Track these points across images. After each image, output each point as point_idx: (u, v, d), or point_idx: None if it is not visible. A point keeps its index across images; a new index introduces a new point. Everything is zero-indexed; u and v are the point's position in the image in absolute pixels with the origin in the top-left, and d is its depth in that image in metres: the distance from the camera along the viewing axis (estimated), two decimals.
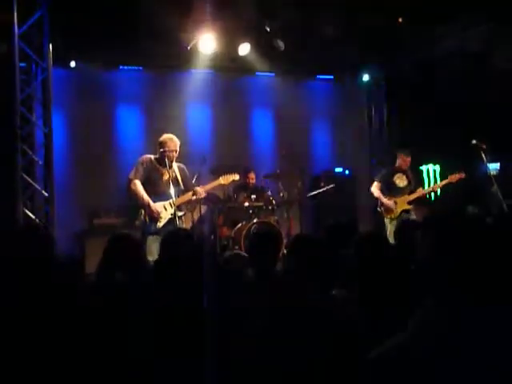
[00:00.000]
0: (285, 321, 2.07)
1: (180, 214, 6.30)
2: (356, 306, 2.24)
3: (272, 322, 2.08)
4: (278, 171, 8.28)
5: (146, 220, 6.21)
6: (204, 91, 8.66)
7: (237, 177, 7.09)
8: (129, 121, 8.67)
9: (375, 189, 7.70)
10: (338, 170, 9.47)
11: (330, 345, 1.82)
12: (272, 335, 1.99)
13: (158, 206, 6.22)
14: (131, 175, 6.27)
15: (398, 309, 1.96)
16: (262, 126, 9.44)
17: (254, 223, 7.66)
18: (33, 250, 2.77)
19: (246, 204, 8.00)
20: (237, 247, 7.56)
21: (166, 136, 6.34)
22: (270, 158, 9.10)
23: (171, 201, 6.17)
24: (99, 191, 8.17)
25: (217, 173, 7.61)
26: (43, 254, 2.84)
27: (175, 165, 6.40)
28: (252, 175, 8.39)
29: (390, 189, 7.67)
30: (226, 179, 6.88)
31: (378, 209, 7.72)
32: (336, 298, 2.49)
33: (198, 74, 8.55)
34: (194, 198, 6.42)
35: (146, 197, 6.19)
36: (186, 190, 6.43)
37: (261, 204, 8.04)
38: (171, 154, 6.24)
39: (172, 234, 3.94)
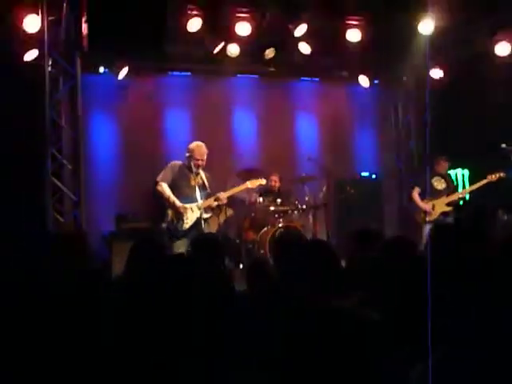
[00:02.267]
0: (304, 322, 2.08)
1: (206, 216, 6.47)
2: (377, 309, 2.23)
3: (293, 324, 2.10)
4: (304, 175, 8.29)
5: (172, 221, 6.37)
6: (229, 95, 8.72)
7: (263, 181, 7.18)
8: (152, 123, 8.70)
9: (415, 194, 7.90)
10: (365, 173, 9.40)
11: (346, 347, 1.84)
12: (290, 336, 2.01)
13: (184, 206, 6.40)
14: (159, 178, 6.48)
15: (422, 312, 2.00)
16: (290, 131, 9.42)
17: (280, 227, 7.66)
18: (70, 258, 2.86)
19: (272, 208, 7.99)
20: (262, 251, 7.60)
21: (194, 144, 6.50)
22: (295, 162, 9.10)
23: (197, 203, 6.35)
24: (127, 194, 8.28)
25: (243, 177, 7.71)
26: (79, 261, 2.94)
27: (202, 172, 6.55)
28: (275, 178, 8.29)
29: (428, 192, 7.80)
30: (253, 183, 6.97)
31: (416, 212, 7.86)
32: (356, 301, 2.45)
33: (224, 78, 8.63)
34: (216, 203, 6.53)
35: (172, 196, 6.38)
36: (213, 195, 6.55)
37: (286, 208, 8.03)
38: (198, 162, 6.42)
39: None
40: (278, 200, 8.08)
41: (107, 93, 8.28)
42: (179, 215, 6.37)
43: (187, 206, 6.39)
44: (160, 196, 6.45)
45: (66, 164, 7.01)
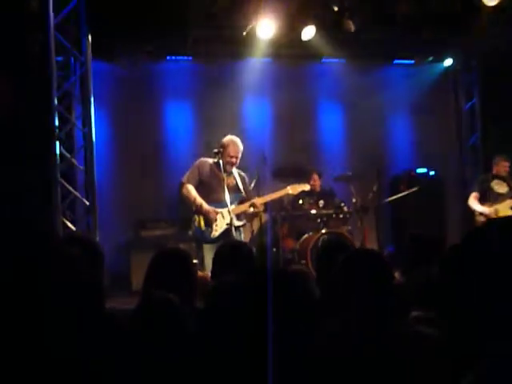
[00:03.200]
0: (357, 350, 2.08)
1: (238, 224, 6.32)
2: (437, 328, 2.21)
3: (338, 346, 2.12)
4: (350, 173, 8.11)
5: (200, 226, 6.28)
6: (262, 82, 8.58)
7: (307, 187, 7.04)
8: (178, 117, 8.75)
9: (472, 200, 7.81)
10: (421, 170, 9.25)
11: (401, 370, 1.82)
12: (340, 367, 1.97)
13: (215, 209, 6.24)
14: (184, 179, 6.36)
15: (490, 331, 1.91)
16: (330, 120, 9.32)
17: (323, 234, 7.52)
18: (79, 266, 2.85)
19: (313, 211, 7.87)
20: (303, 261, 7.49)
21: (228, 138, 6.38)
22: (340, 158, 8.98)
23: (228, 209, 6.16)
24: (147, 198, 8.27)
25: (280, 176, 7.84)
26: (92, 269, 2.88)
27: (235, 171, 6.44)
28: (315, 177, 8.25)
29: (488, 196, 7.76)
30: (294, 189, 6.82)
31: (476, 218, 7.72)
32: (414, 321, 2.47)
33: (256, 62, 8.47)
34: (252, 210, 6.42)
35: (198, 199, 6.25)
36: (247, 199, 6.44)
37: (330, 211, 7.89)
38: (232, 160, 6.30)
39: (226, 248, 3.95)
40: (321, 202, 7.97)
41: (124, 83, 8.23)
42: (208, 221, 6.25)
43: (218, 210, 6.26)
44: (185, 199, 6.35)
45: (77, 165, 6.94)
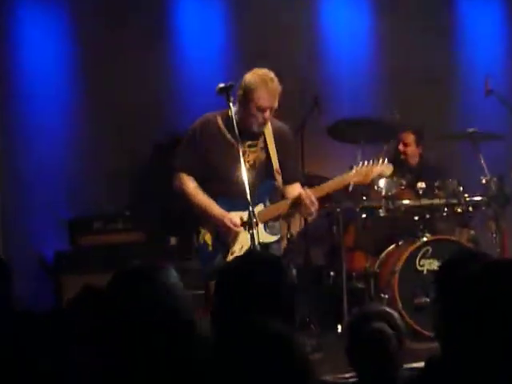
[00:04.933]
0: None
1: (270, 239, 6.22)
2: None
3: None
4: (476, 130, 7.93)
5: (207, 244, 6.31)
6: None
7: (389, 169, 6.64)
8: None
9: None
10: None
11: None
12: None
13: (235, 216, 6.13)
14: (177, 161, 6.31)
15: None
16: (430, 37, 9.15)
17: (425, 243, 7.55)
18: None
19: (406, 202, 7.85)
20: (385, 295, 7.63)
21: (256, 74, 6.01)
22: (454, 103, 9.26)
23: (251, 210, 5.83)
24: (95, 178, 8.49)
25: (340, 134, 8.05)
26: None
27: (269, 130, 6.18)
28: (409, 137, 8.30)
29: None
30: (363, 174, 6.49)
31: None
32: None
33: None
34: (297, 209, 6.26)
35: (202, 199, 6.26)
36: (286, 183, 6.25)
37: (440, 202, 7.78)
38: (264, 116, 5.96)
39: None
40: (420, 185, 7.83)
41: None
42: (220, 234, 6.23)
43: (235, 213, 6.12)
44: (184, 200, 6.35)
45: None
